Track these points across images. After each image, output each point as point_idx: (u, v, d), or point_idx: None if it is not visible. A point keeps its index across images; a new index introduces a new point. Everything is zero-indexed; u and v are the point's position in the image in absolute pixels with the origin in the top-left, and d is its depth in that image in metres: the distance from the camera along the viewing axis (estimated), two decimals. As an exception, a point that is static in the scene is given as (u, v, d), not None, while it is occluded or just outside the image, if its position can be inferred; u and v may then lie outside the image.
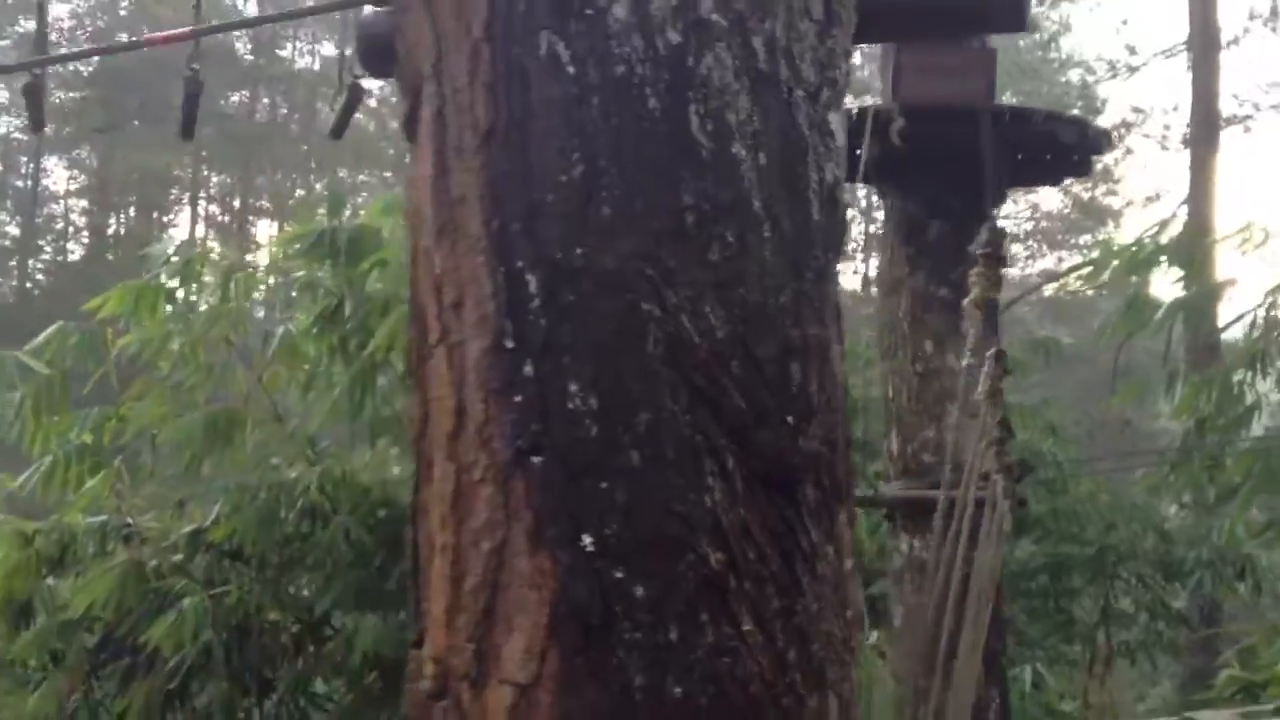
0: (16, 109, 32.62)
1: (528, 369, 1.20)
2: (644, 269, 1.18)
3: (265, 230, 32.08)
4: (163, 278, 5.65)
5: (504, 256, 1.21)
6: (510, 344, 1.20)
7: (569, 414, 1.19)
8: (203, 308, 5.79)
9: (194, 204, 33.16)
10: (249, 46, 30.02)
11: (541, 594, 1.19)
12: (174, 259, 5.68)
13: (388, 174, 30.18)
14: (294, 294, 6.77)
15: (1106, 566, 7.15)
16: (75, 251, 33.64)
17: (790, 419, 1.22)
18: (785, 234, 1.23)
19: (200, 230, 31.45)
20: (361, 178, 30.31)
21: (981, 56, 3.89)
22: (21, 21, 30.63)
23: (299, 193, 31.48)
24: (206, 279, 5.55)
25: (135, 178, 30.76)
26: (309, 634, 6.26)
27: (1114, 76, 19.90)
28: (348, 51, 3.90)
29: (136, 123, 29.58)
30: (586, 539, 1.18)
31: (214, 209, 33.98)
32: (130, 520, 5.98)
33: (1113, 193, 26.60)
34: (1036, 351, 8.29)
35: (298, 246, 5.49)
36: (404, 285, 5.79)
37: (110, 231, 32.91)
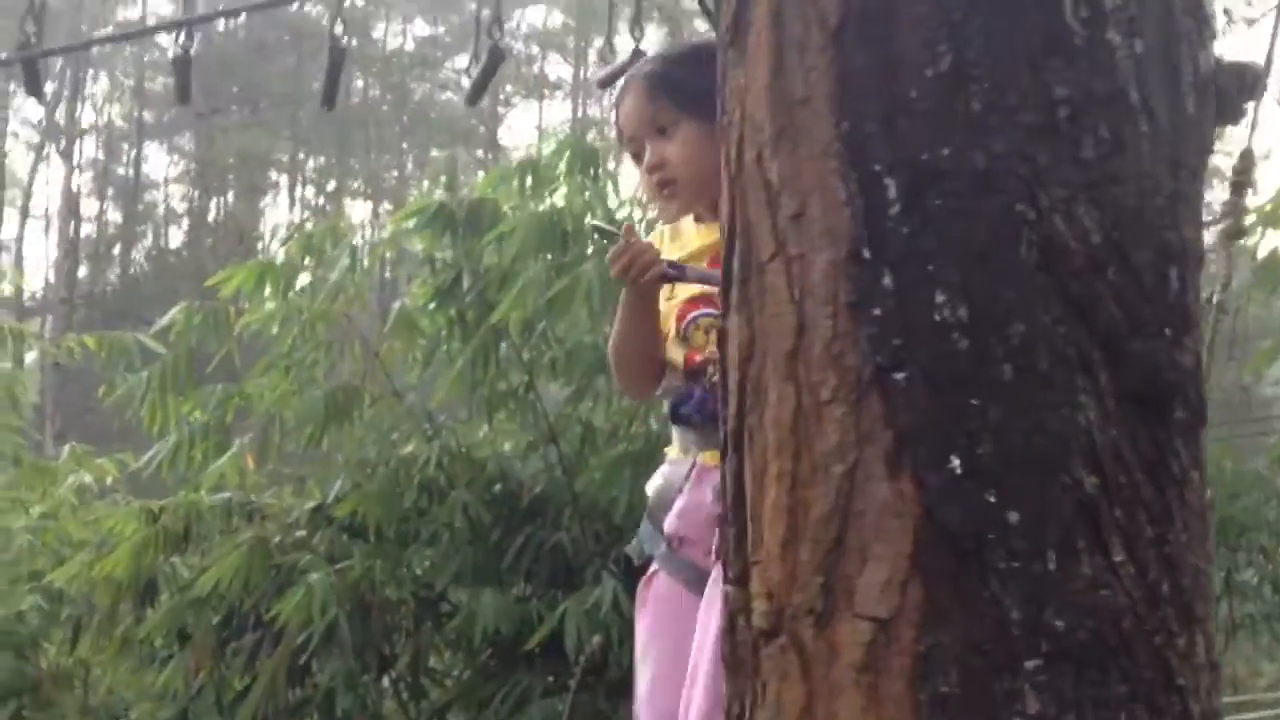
0: (119, 98, 33.18)
1: (886, 280, 1.11)
2: (1016, 168, 1.10)
3: (359, 212, 32.23)
4: (283, 255, 5.67)
5: (858, 160, 1.12)
6: (867, 254, 1.12)
7: (935, 326, 1.10)
8: (318, 282, 5.80)
9: (292, 188, 33.44)
10: (341, 28, 30.23)
11: (903, 520, 1.11)
12: (293, 237, 5.69)
13: (479, 151, 30.21)
14: (396, 270, 6.76)
15: (1229, 538, 6.93)
16: (176, 237, 34.12)
17: (1168, 331, 1.13)
18: (1161, 129, 1.14)
19: (298, 214, 31.74)
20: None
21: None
22: (120, 11, 31.18)
23: (392, 173, 31.65)
24: (327, 254, 5.55)
25: (233, 162, 31.09)
26: (426, 610, 6.26)
27: (1229, 29, 19.21)
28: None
29: (234, 108, 29.90)
30: (954, 460, 1.10)
31: (308, 192, 34.24)
32: (253, 497, 6.03)
33: (1222, 151, 25.68)
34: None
35: (415, 221, 5.47)
36: (526, 258, 5.71)
37: (210, 217, 33.31)
